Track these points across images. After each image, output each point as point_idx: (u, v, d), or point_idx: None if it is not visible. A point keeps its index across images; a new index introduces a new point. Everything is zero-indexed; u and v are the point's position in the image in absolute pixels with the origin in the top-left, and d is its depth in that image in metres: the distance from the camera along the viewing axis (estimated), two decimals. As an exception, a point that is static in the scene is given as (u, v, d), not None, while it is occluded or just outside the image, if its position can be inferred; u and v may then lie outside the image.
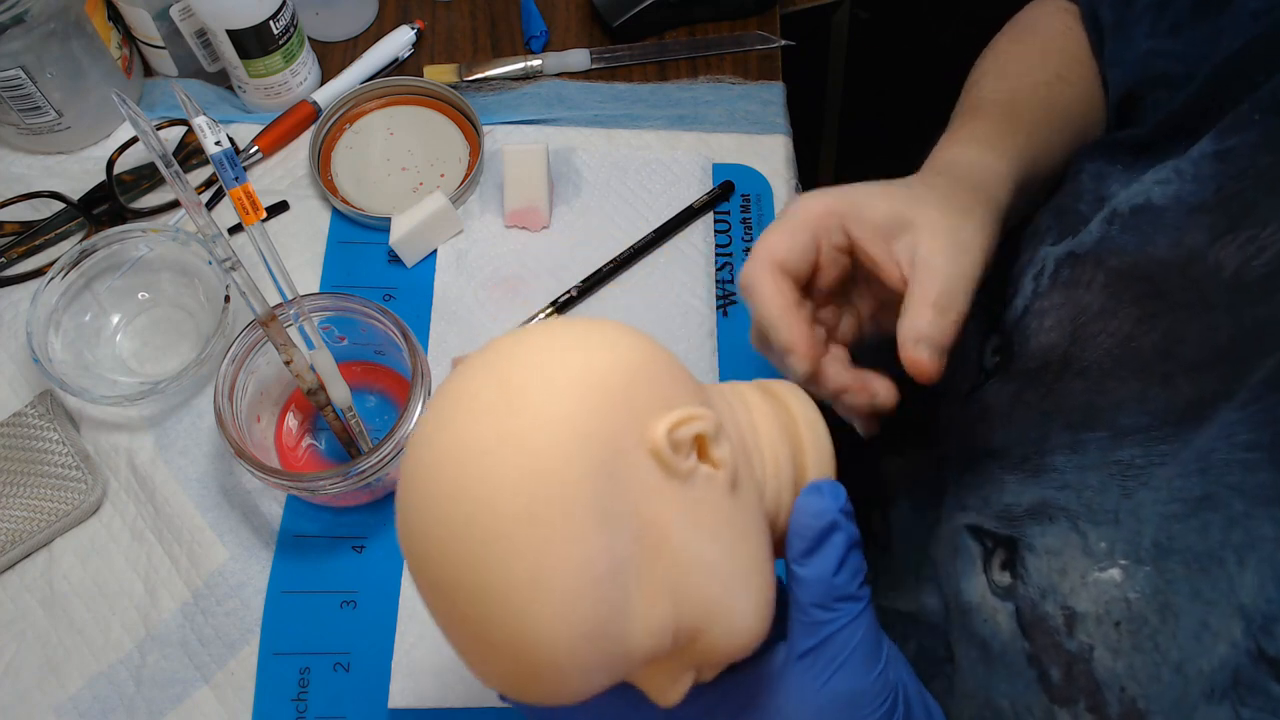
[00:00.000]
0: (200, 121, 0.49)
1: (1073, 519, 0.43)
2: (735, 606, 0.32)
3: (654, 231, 0.67)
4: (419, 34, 0.75)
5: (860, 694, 0.34)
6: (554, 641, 0.28)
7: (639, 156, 0.71)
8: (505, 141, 0.71)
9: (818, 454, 0.37)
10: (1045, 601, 0.43)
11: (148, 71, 0.74)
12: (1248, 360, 0.39)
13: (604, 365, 0.30)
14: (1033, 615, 0.43)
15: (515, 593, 0.28)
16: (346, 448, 0.59)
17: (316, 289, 0.66)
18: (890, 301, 0.46)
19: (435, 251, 0.67)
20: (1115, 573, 0.40)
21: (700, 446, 0.32)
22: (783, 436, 0.36)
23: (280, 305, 0.53)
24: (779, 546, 0.37)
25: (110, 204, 0.67)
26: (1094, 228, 0.48)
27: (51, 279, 0.60)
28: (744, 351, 0.65)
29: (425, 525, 0.29)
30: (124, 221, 0.67)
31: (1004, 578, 0.46)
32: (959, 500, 0.50)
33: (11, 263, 0.67)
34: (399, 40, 0.75)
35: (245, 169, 0.69)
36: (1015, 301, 0.51)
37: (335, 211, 0.69)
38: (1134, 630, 0.39)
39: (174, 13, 0.68)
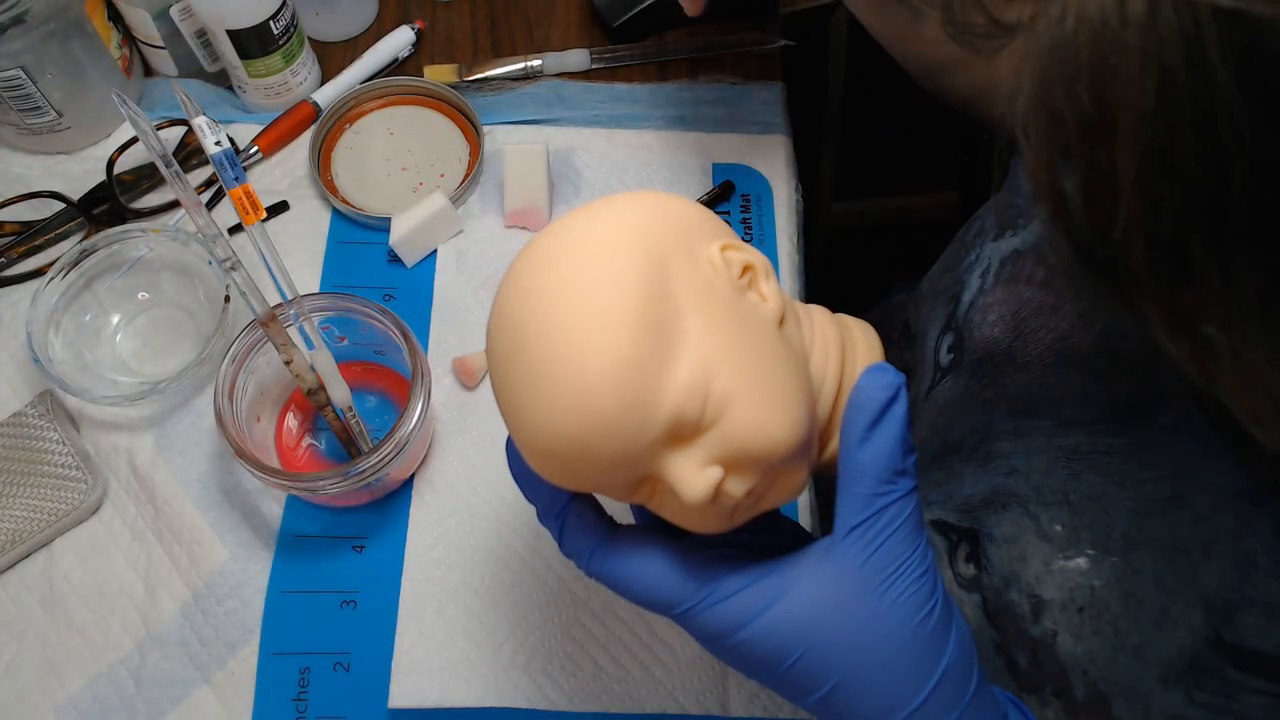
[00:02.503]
0: (200, 121, 0.49)
1: (1023, 503, 0.44)
2: (770, 404, 0.33)
3: (654, 231, 0.67)
4: (419, 34, 0.75)
5: (902, 567, 0.34)
6: (601, 357, 0.31)
7: (639, 157, 0.71)
8: (505, 141, 0.71)
9: (869, 348, 0.39)
10: (1009, 590, 0.43)
11: (148, 71, 0.74)
12: None
13: (667, 203, 0.35)
14: (998, 604, 0.44)
15: (569, 328, 0.32)
16: (346, 448, 0.59)
17: (316, 289, 0.66)
18: None
19: (435, 251, 0.67)
20: (1081, 561, 0.41)
21: (751, 280, 0.35)
22: (833, 327, 0.38)
23: (280, 305, 0.53)
24: (821, 434, 0.37)
25: (110, 204, 0.67)
26: (1036, 225, 0.49)
27: (51, 279, 0.60)
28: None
29: (512, 293, 0.34)
30: (124, 221, 0.67)
31: (969, 569, 0.46)
32: (924, 497, 0.51)
33: (11, 263, 0.67)
34: (399, 40, 0.74)
35: (245, 169, 0.69)
36: (964, 298, 0.52)
37: (335, 211, 0.69)
38: (1095, 615, 0.40)
39: (174, 13, 0.68)
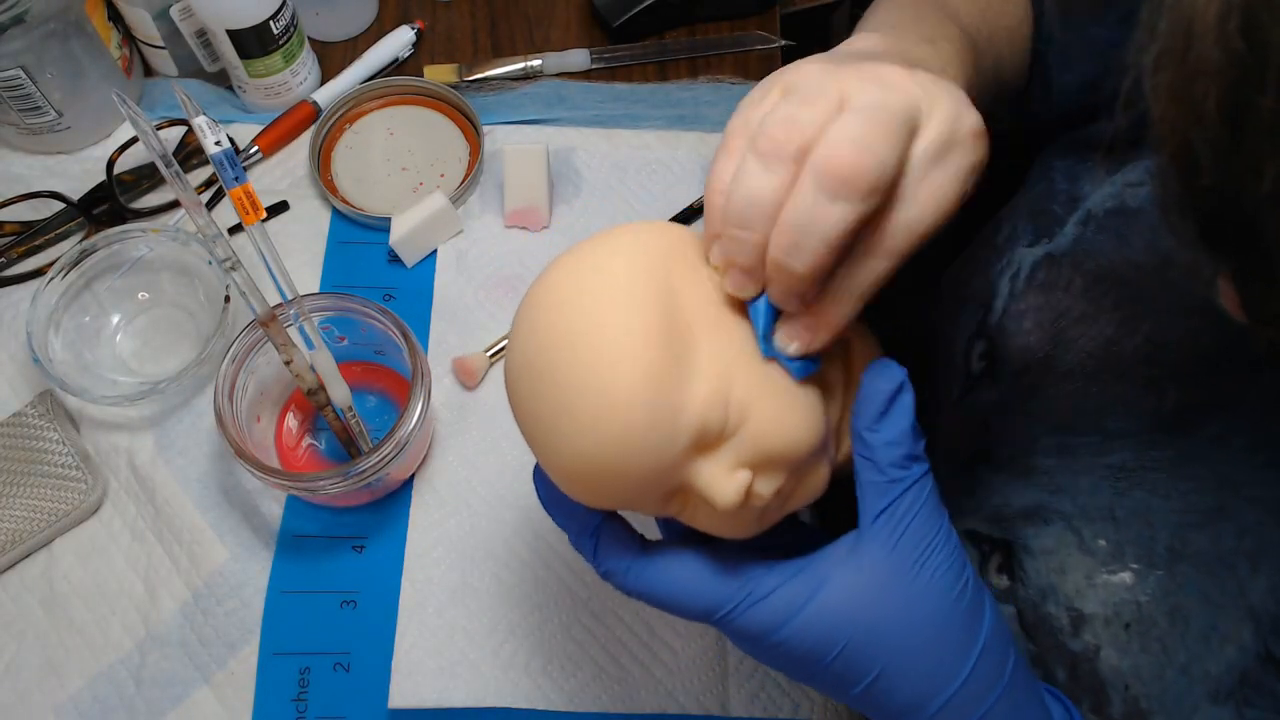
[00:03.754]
0: (200, 121, 0.48)
1: (1066, 519, 0.43)
2: (786, 404, 0.35)
3: (654, 231, 0.67)
4: (419, 34, 0.75)
5: (930, 545, 0.35)
6: (627, 374, 0.32)
7: (639, 156, 0.71)
8: (505, 141, 0.71)
9: (865, 347, 0.40)
10: (1047, 602, 0.43)
11: (148, 71, 0.74)
12: (1235, 368, 0.39)
13: (660, 227, 0.37)
14: (1035, 616, 0.43)
15: (594, 347, 0.33)
16: (346, 448, 0.59)
17: (316, 289, 0.66)
18: None
19: (435, 251, 0.67)
20: (1126, 576, 0.40)
21: None
22: None
23: (280, 305, 0.53)
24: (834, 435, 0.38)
25: (110, 204, 0.67)
26: (1069, 229, 0.48)
27: (51, 279, 0.60)
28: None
29: (532, 324, 0.35)
30: (124, 221, 0.67)
31: (1002, 580, 0.46)
32: (955, 505, 0.50)
33: (11, 263, 0.67)
34: (399, 40, 0.74)
35: (245, 169, 0.69)
36: (995, 305, 0.51)
37: (335, 211, 0.69)
38: (1143, 632, 0.39)
39: (174, 13, 0.68)
